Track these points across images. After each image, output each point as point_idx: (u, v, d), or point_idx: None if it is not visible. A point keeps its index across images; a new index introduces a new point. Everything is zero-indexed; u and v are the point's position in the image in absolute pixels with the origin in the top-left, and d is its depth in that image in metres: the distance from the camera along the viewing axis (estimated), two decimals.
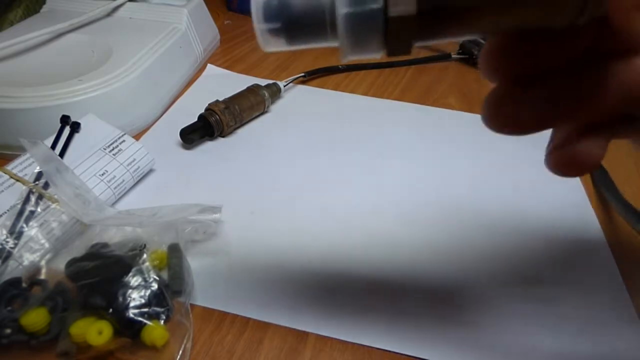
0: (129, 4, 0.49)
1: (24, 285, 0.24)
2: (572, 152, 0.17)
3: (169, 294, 0.25)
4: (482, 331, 0.26)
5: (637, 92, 0.15)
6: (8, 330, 0.22)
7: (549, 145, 0.18)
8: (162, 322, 0.23)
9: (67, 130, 0.33)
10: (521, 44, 0.15)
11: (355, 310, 0.27)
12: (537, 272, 0.30)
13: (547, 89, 0.15)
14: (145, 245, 0.26)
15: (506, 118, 0.16)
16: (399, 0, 0.12)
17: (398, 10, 0.12)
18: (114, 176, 0.31)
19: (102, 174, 0.31)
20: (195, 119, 0.39)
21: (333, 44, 0.14)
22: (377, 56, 0.14)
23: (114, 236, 0.27)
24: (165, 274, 0.26)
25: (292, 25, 0.13)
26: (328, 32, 0.13)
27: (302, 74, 0.49)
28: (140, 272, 0.24)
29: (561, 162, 0.17)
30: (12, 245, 0.25)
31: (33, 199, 0.27)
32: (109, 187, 0.31)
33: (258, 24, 0.13)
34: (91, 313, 0.23)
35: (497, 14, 0.13)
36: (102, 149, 0.32)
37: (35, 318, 0.22)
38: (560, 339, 0.26)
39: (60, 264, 0.25)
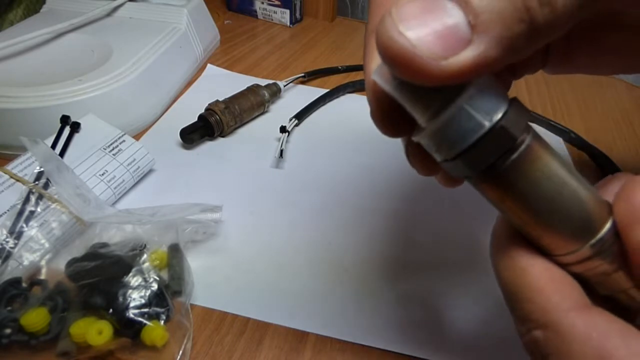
0: (129, 4, 0.49)
1: (24, 285, 0.24)
2: None
3: (169, 294, 0.25)
4: (482, 332, 0.26)
5: None
6: (8, 330, 0.22)
7: None
8: (162, 322, 0.23)
9: (67, 130, 0.33)
10: None
11: (355, 310, 0.27)
12: None
13: None
14: (145, 245, 0.26)
15: None
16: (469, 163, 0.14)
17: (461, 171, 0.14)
18: (114, 176, 0.31)
19: (102, 174, 0.31)
20: (195, 119, 0.39)
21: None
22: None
23: (114, 236, 0.27)
24: (165, 274, 0.26)
25: None
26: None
27: (302, 74, 0.49)
28: (141, 272, 0.25)
29: None
30: (12, 245, 0.25)
31: (33, 199, 0.27)
32: (109, 187, 0.31)
33: None
34: (91, 313, 0.23)
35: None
36: (102, 149, 0.32)
37: (35, 318, 0.22)
38: None
39: (60, 264, 0.25)
